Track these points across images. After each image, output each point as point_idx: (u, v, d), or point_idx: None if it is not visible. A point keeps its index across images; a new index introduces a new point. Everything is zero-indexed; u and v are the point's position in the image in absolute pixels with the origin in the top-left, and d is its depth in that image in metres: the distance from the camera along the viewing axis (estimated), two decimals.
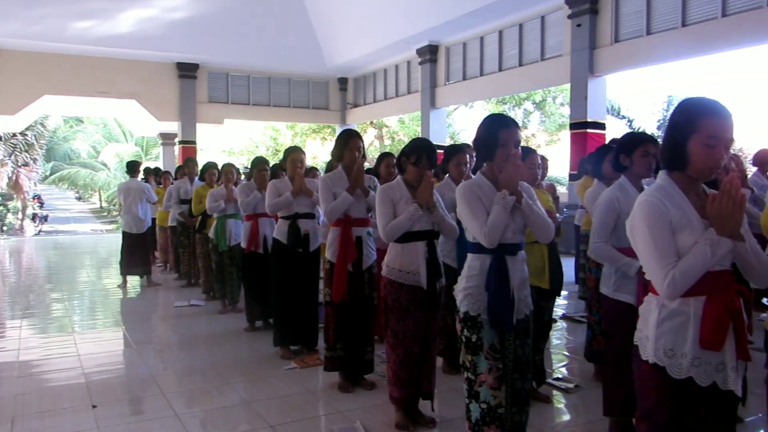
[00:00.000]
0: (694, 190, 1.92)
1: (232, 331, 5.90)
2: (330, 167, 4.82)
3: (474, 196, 2.64)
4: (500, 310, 2.62)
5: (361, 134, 4.42)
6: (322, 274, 4.42)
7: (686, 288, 1.79)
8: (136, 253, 8.38)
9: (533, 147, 19.93)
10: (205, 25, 14.45)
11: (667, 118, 1.98)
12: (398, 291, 3.36)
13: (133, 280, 8.71)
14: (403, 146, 3.62)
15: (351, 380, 4.14)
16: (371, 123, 24.23)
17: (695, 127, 1.83)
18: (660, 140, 2.22)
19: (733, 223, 1.76)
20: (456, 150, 4.29)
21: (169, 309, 7.23)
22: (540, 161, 3.79)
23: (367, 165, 5.59)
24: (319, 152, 26.14)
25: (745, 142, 14.54)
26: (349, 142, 4.06)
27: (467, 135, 22.02)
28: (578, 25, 10.44)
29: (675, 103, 2.13)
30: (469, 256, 2.73)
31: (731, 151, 2.07)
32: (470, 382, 2.71)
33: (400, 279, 3.36)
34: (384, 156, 4.99)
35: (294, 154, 4.85)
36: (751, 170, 6.44)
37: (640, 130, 12.08)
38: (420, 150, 3.40)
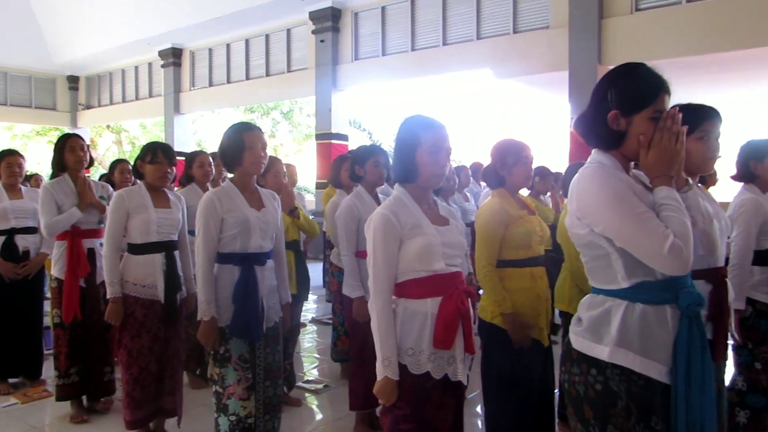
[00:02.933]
0: (425, 199, 2.14)
1: None
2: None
3: (211, 209, 2.62)
4: (249, 321, 2.62)
5: (96, 139, 4.02)
6: (48, 294, 3.92)
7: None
8: None
9: (282, 156, 20.17)
10: None
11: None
12: (133, 306, 3.15)
13: None
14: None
15: (86, 408, 3.75)
16: (108, 127, 22.20)
17: (418, 140, 2.05)
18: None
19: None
20: (195, 155, 4.25)
21: None
22: (286, 169, 3.88)
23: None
24: (45, 158, 23.02)
25: (464, 155, 16.70)
26: (67, 143, 3.66)
27: (214, 143, 21.39)
28: (322, 41, 10.94)
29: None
30: (217, 266, 2.68)
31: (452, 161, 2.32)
32: (218, 395, 2.66)
33: (134, 293, 3.15)
34: (117, 162, 4.65)
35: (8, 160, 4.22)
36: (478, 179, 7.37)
37: (378, 143, 13.10)
38: (153, 147, 3.23)
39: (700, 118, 2.13)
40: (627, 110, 1.60)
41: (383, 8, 10.43)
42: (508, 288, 2.70)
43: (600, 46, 8.27)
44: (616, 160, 1.64)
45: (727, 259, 2.83)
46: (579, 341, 1.64)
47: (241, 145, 2.65)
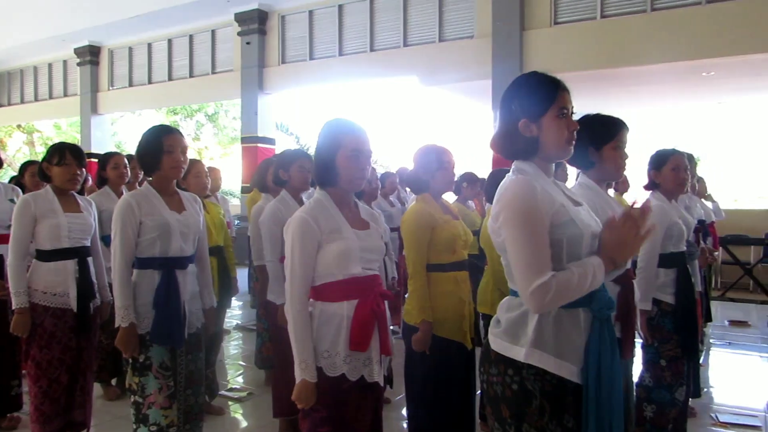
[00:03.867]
0: (347, 203, 2.15)
1: None
2: None
3: (128, 212, 2.53)
4: (171, 327, 2.54)
5: (6, 139, 3.79)
6: None
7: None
8: None
9: (207, 159, 19.67)
10: None
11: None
12: (42, 315, 2.99)
13: None
14: None
15: None
16: (19, 127, 20.96)
17: (339, 144, 2.05)
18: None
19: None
20: (109, 156, 4.07)
21: None
22: (208, 172, 3.79)
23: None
24: None
25: (392, 161, 16.87)
26: None
27: (135, 145, 20.60)
28: (248, 43, 10.78)
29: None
30: (136, 271, 2.59)
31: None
32: (138, 406, 2.57)
33: (44, 302, 2.99)
34: (28, 164, 4.39)
35: None
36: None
37: (306, 147, 13.02)
38: (61, 148, 3.08)
39: (616, 129, 2.29)
40: (534, 115, 1.67)
41: (311, 12, 10.39)
42: (432, 292, 2.74)
43: (522, 57, 8.56)
44: (536, 167, 1.70)
45: (634, 262, 3.00)
46: (497, 342, 1.69)
47: (160, 149, 2.56)
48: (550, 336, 1.60)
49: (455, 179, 3.17)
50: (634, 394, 2.80)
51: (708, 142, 25.09)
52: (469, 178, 4.99)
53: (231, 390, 4.37)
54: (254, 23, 10.61)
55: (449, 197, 5.25)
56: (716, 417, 3.90)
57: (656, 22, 7.81)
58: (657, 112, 12.65)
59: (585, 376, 1.61)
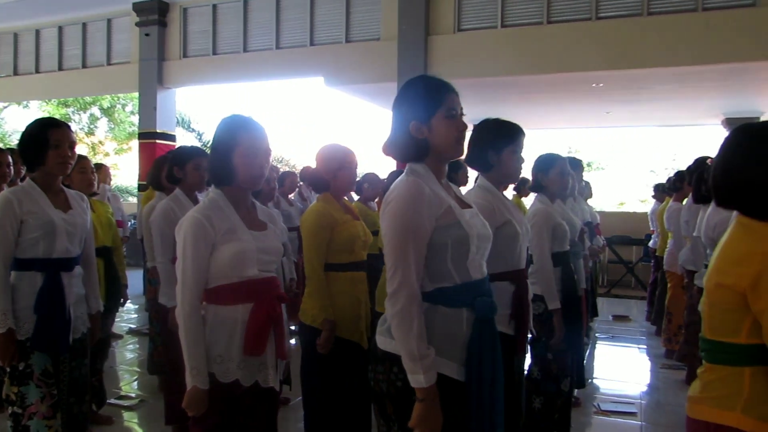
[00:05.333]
0: (243, 203, 2.09)
1: None
2: None
3: (8, 210, 2.35)
4: (54, 332, 2.40)
5: None
6: None
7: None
8: None
9: (101, 155, 18.62)
10: None
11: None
12: None
13: None
14: None
15: None
16: None
17: (236, 141, 1.99)
18: None
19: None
20: None
21: None
22: (94, 168, 3.59)
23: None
24: None
25: (296, 160, 16.76)
26: None
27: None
28: (147, 35, 10.30)
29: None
30: (15, 273, 2.42)
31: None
32: (17, 417, 2.40)
33: None
34: None
35: None
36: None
37: (207, 144, 12.65)
38: None
39: (515, 134, 2.42)
40: (424, 117, 1.71)
41: (215, 6, 10.08)
42: (329, 291, 2.75)
43: (426, 61, 8.74)
44: (428, 169, 1.74)
45: (530, 262, 3.15)
46: (383, 340, 1.72)
47: (45, 143, 2.40)
48: (434, 334, 1.64)
49: (357, 179, 3.20)
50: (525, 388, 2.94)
51: (597, 150, 26.75)
52: (371, 178, 5.03)
53: (122, 398, 4.16)
54: (154, 14, 10.16)
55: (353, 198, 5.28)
56: (598, 405, 4.17)
57: (552, 35, 8.24)
58: (552, 120, 13.32)
59: (466, 373, 1.66)
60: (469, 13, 8.62)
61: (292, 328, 4.24)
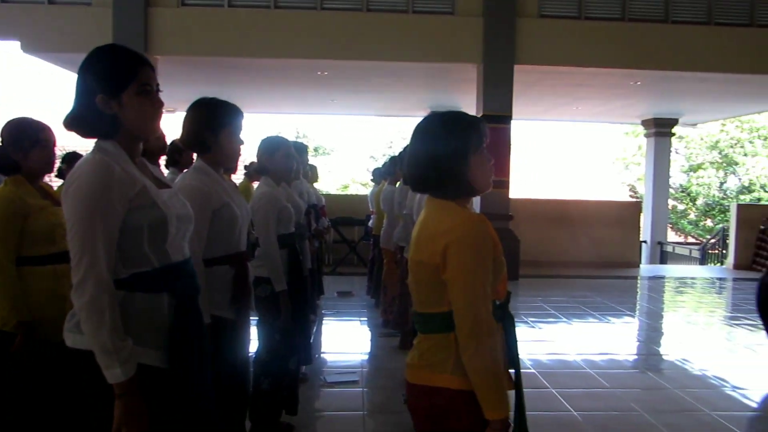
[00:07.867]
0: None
1: None
2: None
3: None
4: None
5: None
6: None
7: None
8: None
9: None
10: None
11: None
12: None
13: None
14: None
15: None
16: None
17: None
18: None
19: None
20: None
21: None
22: None
23: None
24: None
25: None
26: None
27: None
28: None
29: None
30: None
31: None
32: None
33: None
34: None
35: None
36: None
37: None
38: None
39: (233, 115, 2.35)
40: (113, 91, 1.56)
41: None
42: (27, 289, 2.39)
43: (147, 33, 8.17)
44: (119, 147, 1.59)
45: (254, 245, 3.14)
46: (72, 337, 1.57)
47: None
48: (130, 323, 1.52)
49: (56, 160, 2.81)
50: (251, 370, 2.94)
51: (324, 135, 28.12)
52: (73, 157, 4.46)
53: None
54: None
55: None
56: (324, 379, 4.39)
57: (279, 20, 8.34)
58: (280, 105, 13.56)
59: (170, 360, 1.58)
60: None
61: None
